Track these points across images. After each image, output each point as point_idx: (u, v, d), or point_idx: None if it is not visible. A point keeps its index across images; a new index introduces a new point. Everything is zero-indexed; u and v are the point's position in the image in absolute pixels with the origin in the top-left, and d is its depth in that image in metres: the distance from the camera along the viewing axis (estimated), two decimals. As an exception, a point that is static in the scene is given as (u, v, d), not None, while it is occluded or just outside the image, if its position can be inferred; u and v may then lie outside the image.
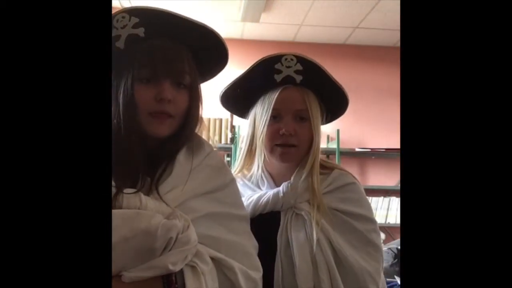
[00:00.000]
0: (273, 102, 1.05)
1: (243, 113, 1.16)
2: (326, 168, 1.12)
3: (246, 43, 3.77)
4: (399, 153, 0.61)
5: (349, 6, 3.23)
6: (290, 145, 1.05)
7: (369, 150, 3.70)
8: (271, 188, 1.09)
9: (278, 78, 1.05)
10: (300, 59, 1.04)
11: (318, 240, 0.98)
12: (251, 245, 0.88)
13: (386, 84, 3.85)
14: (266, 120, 1.05)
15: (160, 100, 0.82)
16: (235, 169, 1.15)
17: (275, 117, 1.06)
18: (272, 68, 1.05)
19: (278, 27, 3.62)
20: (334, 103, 1.12)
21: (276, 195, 1.05)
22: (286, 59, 1.04)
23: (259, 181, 1.11)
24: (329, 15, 3.38)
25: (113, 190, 0.75)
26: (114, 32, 0.83)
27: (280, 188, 1.06)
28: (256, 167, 1.11)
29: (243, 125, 3.47)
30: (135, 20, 0.84)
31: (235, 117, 3.49)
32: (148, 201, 0.76)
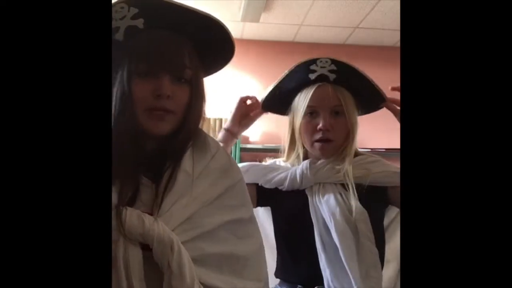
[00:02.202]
0: (309, 99, 1.12)
1: (283, 112, 1.23)
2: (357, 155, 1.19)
3: (246, 43, 3.76)
4: (399, 153, 0.61)
5: (349, 6, 3.23)
6: (327, 139, 1.11)
7: (369, 150, 3.70)
8: None
9: (312, 76, 1.13)
10: (335, 61, 1.11)
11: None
12: (255, 249, 0.85)
13: (386, 84, 3.84)
14: (302, 115, 1.12)
15: (158, 96, 0.77)
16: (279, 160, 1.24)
17: (312, 113, 1.13)
18: (307, 69, 1.12)
19: (278, 27, 3.61)
20: (368, 99, 1.18)
21: (294, 171, 1.12)
22: (321, 61, 1.12)
23: (296, 164, 1.18)
24: (329, 15, 3.38)
25: (114, 196, 0.71)
26: (112, 24, 0.78)
27: (301, 166, 1.14)
28: (295, 156, 1.19)
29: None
30: (134, 10, 0.79)
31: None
32: (151, 225, 0.70)
